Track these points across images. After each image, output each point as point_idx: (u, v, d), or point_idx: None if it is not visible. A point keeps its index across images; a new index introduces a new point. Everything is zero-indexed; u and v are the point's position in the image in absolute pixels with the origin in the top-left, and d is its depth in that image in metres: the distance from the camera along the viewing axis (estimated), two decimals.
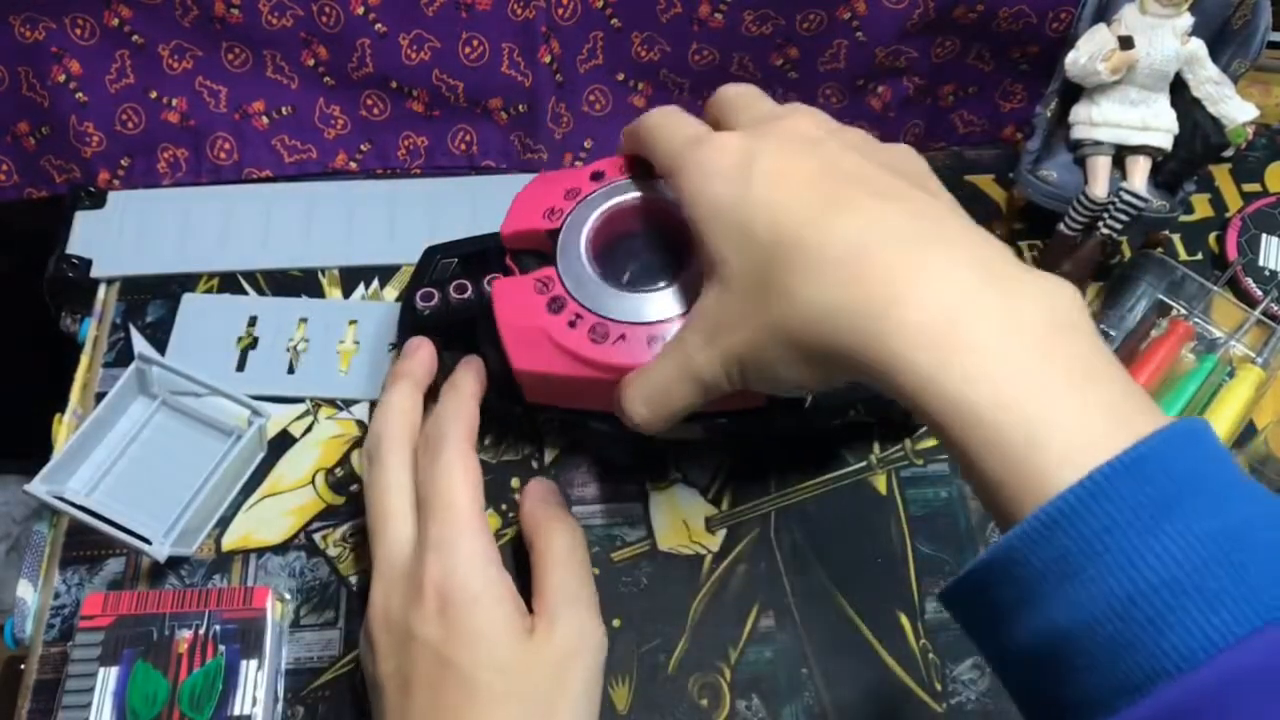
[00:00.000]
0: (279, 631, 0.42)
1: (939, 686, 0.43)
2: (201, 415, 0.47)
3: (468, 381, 0.43)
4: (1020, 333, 0.27)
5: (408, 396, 0.43)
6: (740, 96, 0.39)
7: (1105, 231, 0.48)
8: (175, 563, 0.44)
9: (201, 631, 0.40)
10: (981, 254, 0.29)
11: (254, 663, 0.40)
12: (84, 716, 0.38)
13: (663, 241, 0.44)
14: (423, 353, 0.44)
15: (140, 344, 0.50)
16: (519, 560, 0.43)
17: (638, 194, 0.43)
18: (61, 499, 0.43)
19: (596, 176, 0.44)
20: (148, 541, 0.42)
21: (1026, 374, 0.26)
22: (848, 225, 0.30)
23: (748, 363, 0.34)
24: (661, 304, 0.41)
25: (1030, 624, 0.25)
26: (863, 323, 0.29)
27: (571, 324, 0.40)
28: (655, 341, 0.40)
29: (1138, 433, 0.25)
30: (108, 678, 0.39)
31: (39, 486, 0.43)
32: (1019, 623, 0.25)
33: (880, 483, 0.48)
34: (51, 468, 0.44)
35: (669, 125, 0.38)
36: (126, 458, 0.46)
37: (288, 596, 0.44)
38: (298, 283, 0.53)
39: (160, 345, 0.50)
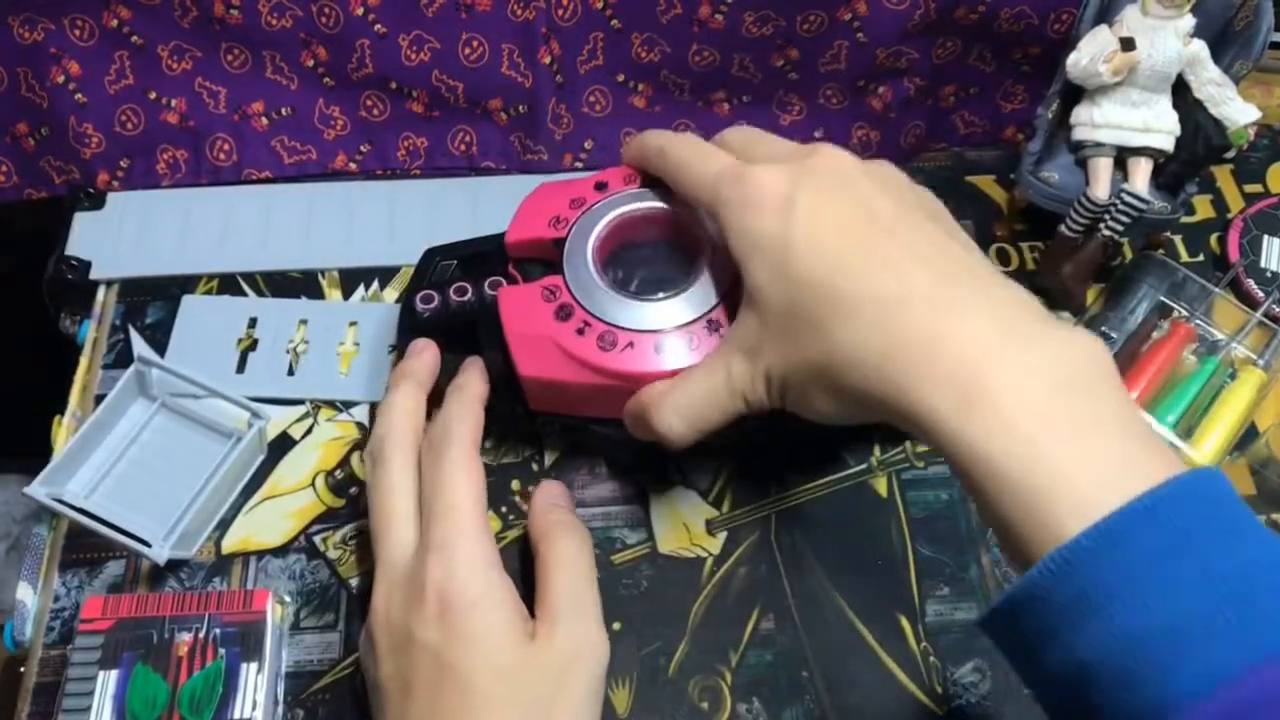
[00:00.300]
0: (279, 634, 0.42)
1: (940, 689, 0.43)
2: (201, 417, 0.47)
3: (473, 384, 0.43)
4: (1039, 385, 0.29)
5: (411, 397, 0.43)
6: (751, 137, 0.40)
7: (1106, 233, 0.48)
8: (175, 565, 0.44)
9: (201, 634, 0.40)
10: (1004, 309, 0.31)
11: (254, 666, 0.40)
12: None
13: (669, 250, 0.44)
14: (426, 354, 0.44)
15: (140, 346, 0.50)
16: (524, 563, 0.43)
17: (643, 203, 0.44)
18: (61, 501, 0.43)
19: (600, 186, 0.44)
20: (147, 544, 0.42)
21: (1043, 425, 0.28)
22: (883, 275, 0.33)
23: (788, 386, 0.36)
24: (669, 311, 0.41)
25: (1055, 655, 0.27)
26: (892, 372, 0.31)
27: (580, 331, 0.40)
28: (663, 349, 0.40)
29: (1152, 480, 0.27)
30: (107, 681, 0.39)
31: (38, 489, 0.43)
32: (1046, 653, 0.27)
33: (881, 485, 0.48)
34: (51, 470, 0.44)
35: (698, 158, 0.39)
36: (126, 460, 0.46)
37: (288, 599, 0.44)
38: (297, 284, 0.53)
39: (160, 347, 0.50)
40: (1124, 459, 0.28)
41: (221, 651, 0.40)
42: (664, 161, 0.41)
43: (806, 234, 0.34)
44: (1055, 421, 0.28)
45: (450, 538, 0.38)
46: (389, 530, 0.39)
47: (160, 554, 0.42)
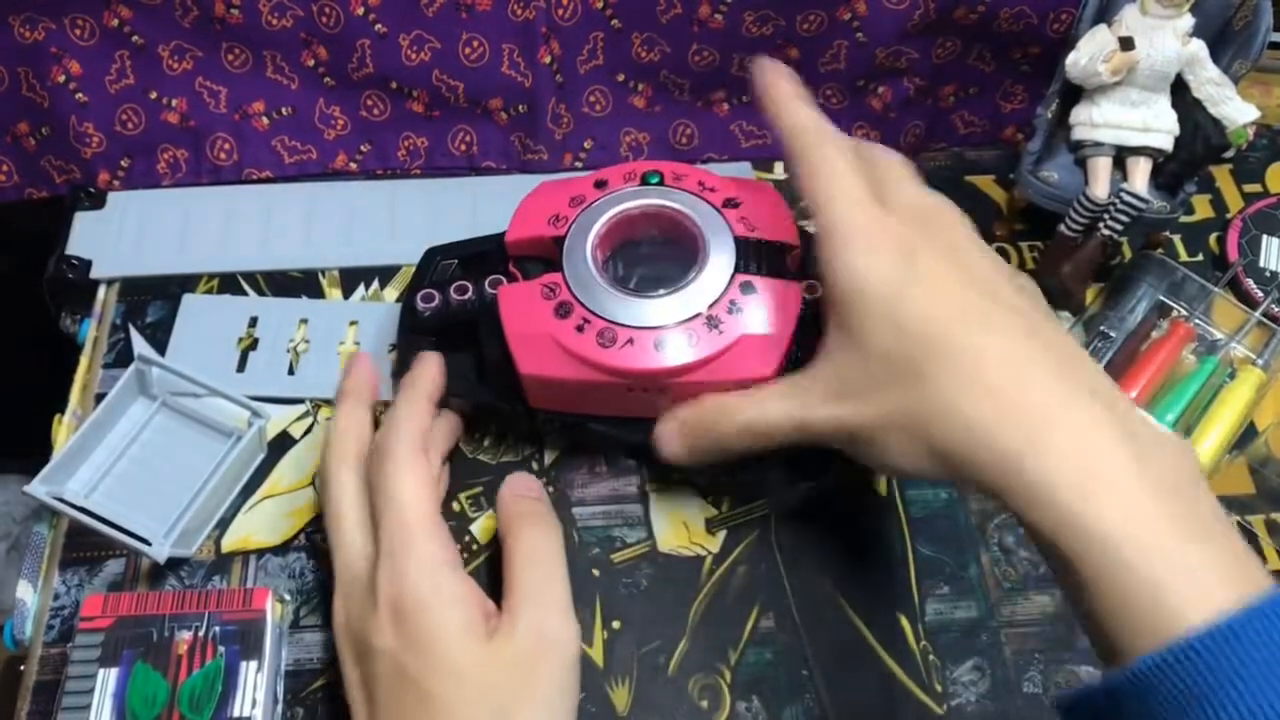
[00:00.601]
0: (279, 633, 0.42)
1: (939, 688, 0.43)
2: (201, 416, 0.47)
3: (422, 380, 0.43)
4: (1151, 480, 0.30)
5: (350, 414, 0.43)
6: (891, 169, 0.38)
7: (1106, 232, 0.48)
8: (175, 564, 0.44)
9: (201, 633, 0.40)
10: (1118, 408, 0.32)
11: (254, 664, 0.40)
12: (84, 718, 0.38)
13: (669, 247, 0.44)
14: (363, 367, 0.45)
15: (140, 345, 0.50)
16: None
17: (643, 201, 0.44)
18: (61, 500, 0.43)
19: (600, 184, 0.44)
20: (147, 543, 0.42)
21: (1161, 518, 0.29)
22: (999, 349, 0.33)
23: (864, 435, 0.36)
24: (669, 308, 0.41)
25: None
26: (1005, 447, 0.31)
27: (579, 329, 0.40)
28: (663, 345, 0.40)
29: (1259, 583, 0.29)
30: (107, 679, 0.39)
31: (38, 487, 0.43)
32: None
33: (880, 484, 0.48)
34: (51, 469, 0.44)
35: (841, 175, 0.37)
36: (126, 459, 0.46)
37: (287, 598, 0.44)
38: (298, 283, 0.53)
39: (160, 346, 0.50)
40: (1234, 559, 0.29)
41: (221, 650, 0.40)
42: (805, 164, 0.38)
43: (928, 286, 0.34)
44: (1171, 516, 0.29)
45: (398, 542, 0.37)
46: (341, 540, 0.39)
47: (160, 552, 0.42)
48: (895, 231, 0.35)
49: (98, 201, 0.55)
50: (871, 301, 0.34)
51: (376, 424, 0.44)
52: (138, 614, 0.41)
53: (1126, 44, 0.46)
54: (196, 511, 0.44)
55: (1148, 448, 0.31)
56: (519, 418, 0.45)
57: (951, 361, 0.33)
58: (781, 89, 0.39)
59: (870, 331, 0.35)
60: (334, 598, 0.39)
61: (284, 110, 0.56)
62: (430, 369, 0.43)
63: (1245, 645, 0.27)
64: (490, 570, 0.45)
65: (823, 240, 0.36)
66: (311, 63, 0.55)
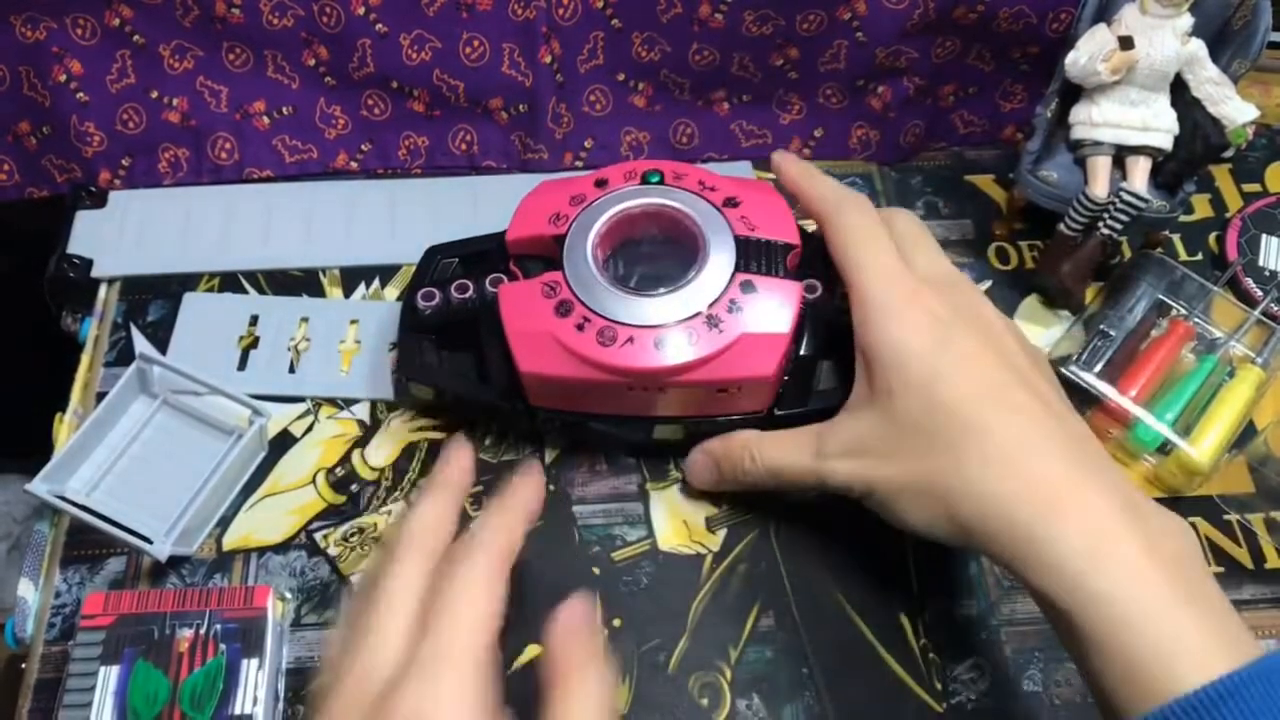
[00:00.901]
0: (280, 631, 0.42)
1: (939, 686, 0.43)
2: (203, 415, 0.47)
3: (520, 496, 0.38)
4: (1155, 554, 0.32)
5: (437, 506, 0.37)
6: (916, 236, 0.41)
7: (1105, 232, 0.48)
8: (176, 562, 0.44)
9: (202, 631, 0.40)
10: (1123, 485, 0.35)
11: (255, 662, 0.40)
12: (85, 715, 0.39)
13: (669, 245, 0.44)
14: (464, 459, 0.39)
15: (141, 343, 0.50)
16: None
17: (643, 200, 0.44)
18: (62, 498, 0.43)
19: (600, 184, 0.44)
20: (149, 541, 0.42)
21: (1164, 587, 0.32)
22: (1021, 428, 0.35)
23: (883, 493, 0.38)
24: (669, 307, 0.41)
25: None
26: (1023, 519, 0.34)
27: (579, 327, 0.40)
28: (663, 344, 0.40)
29: (1251, 651, 0.31)
30: (109, 677, 0.39)
31: (40, 486, 0.43)
32: None
33: None
34: (52, 467, 0.44)
35: (869, 238, 0.40)
36: (127, 457, 0.46)
37: (288, 596, 0.44)
38: (298, 282, 0.53)
39: (161, 345, 0.50)
40: (1233, 628, 0.32)
41: (222, 647, 0.40)
42: (828, 214, 0.42)
43: (959, 363, 0.37)
44: (1173, 586, 0.32)
45: (444, 661, 0.31)
46: (376, 628, 0.33)
47: (162, 551, 0.42)
48: (930, 306, 0.38)
49: (99, 200, 0.55)
50: (908, 375, 0.37)
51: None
52: (139, 612, 0.41)
53: (1126, 43, 0.46)
54: (198, 510, 0.44)
55: (1151, 522, 0.34)
56: (519, 416, 0.45)
57: (979, 439, 0.35)
58: (792, 167, 0.44)
59: (903, 401, 0.37)
60: (332, 693, 0.32)
61: (285, 109, 0.56)
62: (530, 486, 0.38)
63: (1242, 704, 0.29)
64: None
65: (859, 307, 0.39)
66: (312, 62, 0.55)
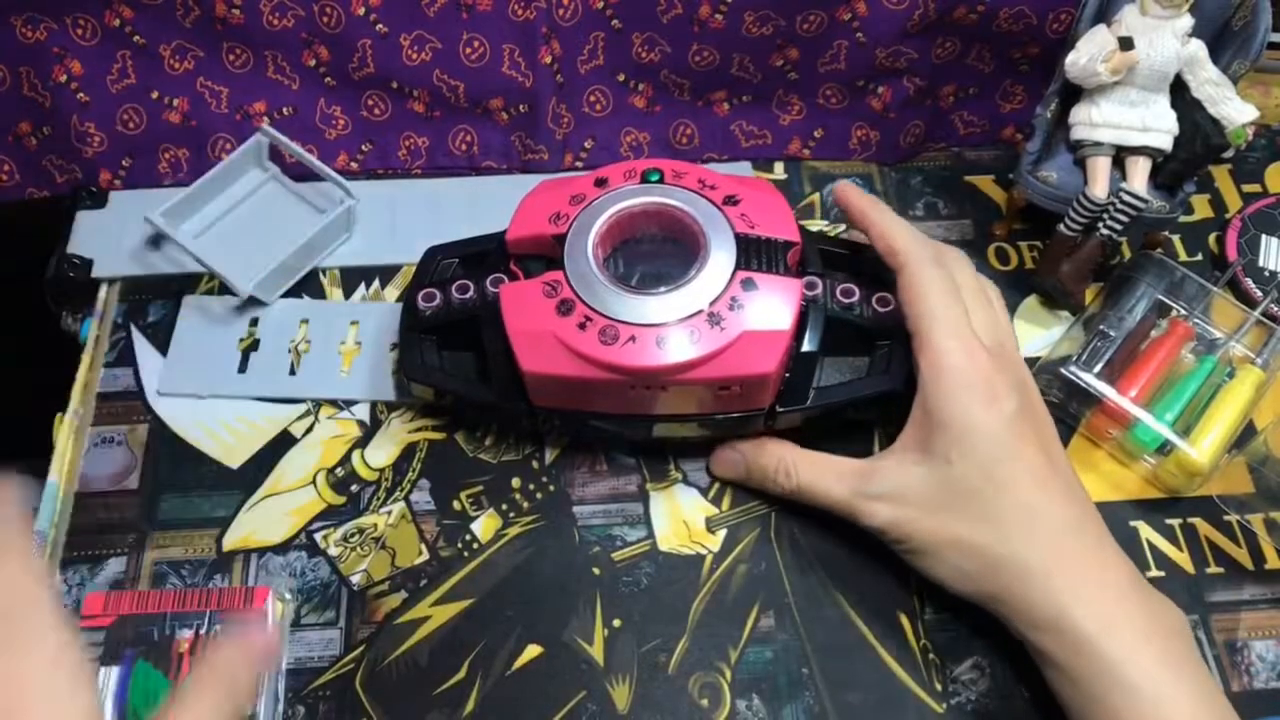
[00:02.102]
0: (280, 631, 0.42)
1: (939, 686, 0.43)
2: (301, 193, 0.54)
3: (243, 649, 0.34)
4: (1156, 630, 0.38)
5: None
6: (978, 294, 0.44)
7: (1105, 232, 0.48)
8: (176, 563, 0.44)
9: (203, 631, 0.40)
10: (1129, 564, 0.40)
11: None
12: None
13: (670, 244, 0.44)
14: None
15: (141, 343, 0.50)
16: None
17: (643, 199, 0.44)
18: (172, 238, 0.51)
19: (600, 183, 0.44)
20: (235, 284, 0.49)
21: (1159, 658, 0.37)
22: (1061, 509, 0.40)
23: (915, 543, 0.41)
24: (671, 305, 0.41)
25: None
26: (1052, 585, 0.38)
27: (581, 326, 0.40)
28: (665, 343, 0.40)
29: (1232, 712, 0.37)
30: (109, 677, 0.39)
31: (159, 218, 0.50)
32: None
33: None
34: (172, 205, 0.51)
35: (944, 307, 0.41)
36: (232, 217, 0.53)
37: (288, 597, 0.44)
38: (299, 283, 0.53)
39: (161, 345, 0.50)
40: (1220, 701, 0.37)
41: None
42: (909, 265, 0.42)
43: (1018, 448, 0.39)
44: (1166, 653, 0.37)
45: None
46: None
47: (245, 289, 0.49)
48: (999, 386, 0.40)
49: (99, 201, 0.55)
50: (975, 452, 0.39)
51: None
52: (139, 612, 0.41)
53: (1126, 44, 0.46)
54: (280, 265, 0.50)
55: (1152, 599, 0.39)
56: (520, 416, 0.45)
57: (1028, 519, 0.39)
58: (858, 199, 0.45)
59: (961, 470, 0.39)
60: None
61: (285, 110, 0.56)
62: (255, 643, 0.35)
63: None
64: (487, 570, 0.45)
65: (932, 368, 0.40)
66: (312, 63, 0.55)
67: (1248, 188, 0.58)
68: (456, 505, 0.46)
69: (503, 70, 0.55)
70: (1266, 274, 0.53)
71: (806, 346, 0.43)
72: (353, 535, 0.46)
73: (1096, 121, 0.49)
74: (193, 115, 0.55)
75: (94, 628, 0.40)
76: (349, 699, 0.42)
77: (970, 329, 0.41)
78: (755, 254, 0.42)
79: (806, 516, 0.46)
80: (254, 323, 0.51)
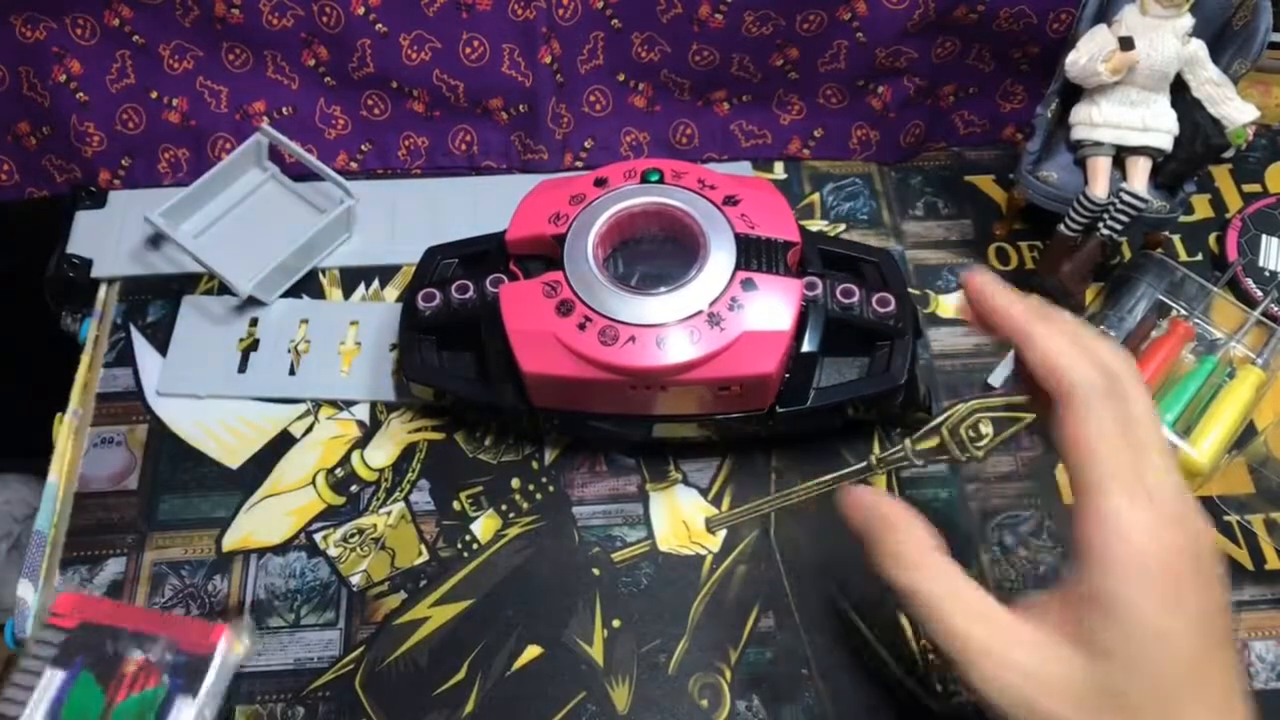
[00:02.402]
0: (226, 672, 0.41)
1: (939, 687, 0.43)
2: (300, 193, 0.54)
3: None
4: None
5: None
6: (1149, 429, 0.34)
7: (1105, 232, 0.48)
8: (176, 563, 0.44)
9: (153, 658, 0.40)
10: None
11: (189, 700, 0.39)
12: (18, 712, 0.38)
13: (670, 244, 0.44)
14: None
15: (141, 345, 0.50)
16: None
17: (643, 199, 0.44)
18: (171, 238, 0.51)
19: (600, 183, 0.44)
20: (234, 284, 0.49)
21: None
22: (1210, 699, 0.33)
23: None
24: (671, 306, 0.41)
25: None
26: None
27: (581, 326, 0.40)
28: (665, 343, 0.40)
29: None
30: (52, 680, 0.39)
31: (159, 218, 0.50)
32: None
33: (880, 483, 0.48)
34: (173, 205, 0.51)
35: (1112, 463, 0.33)
36: (231, 216, 0.53)
37: (247, 641, 0.42)
38: (298, 283, 0.53)
39: (161, 345, 0.50)
40: None
41: (165, 679, 0.40)
42: (1075, 398, 0.34)
43: (1201, 666, 0.33)
44: None
45: None
46: None
47: (244, 290, 0.49)
48: (1181, 571, 0.33)
49: (98, 201, 0.55)
50: (1144, 654, 0.32)
51: None
52: (101, 623, 0.40)
53: (1126, 44, 0.46)
54: (280, 265, 0.50)
55: None
56: (520, 416, 0.45)
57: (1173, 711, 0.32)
58: (1008, 303, 0.36)
59: (1123, 676, 0.33)
60: None
61: (285, 110, 0.56)
62: None
63: None
64: (487, 571, 0.45)
65: (1098, 537, 0.33)
66: (312, 62, 0.55)
67: (1248, 188, 0.58)
68: (456, 506, 0.46)
69: (502, 70, 0.55)
70: (1267, 274, 0.53)
71: (806, 347, 0.43)
72: (352, 536, 0.46)
73: (1097, 121, 0.48)
74: (192, 115, 0.55)
75: (57, 627, 0.40)
76: (349, 699, 0.42)
77: (1146, 488, 0.33)
78: (755, 254, 0.42)
79: (807, 517, 0.46)
80: (253, 323, 0.51)
